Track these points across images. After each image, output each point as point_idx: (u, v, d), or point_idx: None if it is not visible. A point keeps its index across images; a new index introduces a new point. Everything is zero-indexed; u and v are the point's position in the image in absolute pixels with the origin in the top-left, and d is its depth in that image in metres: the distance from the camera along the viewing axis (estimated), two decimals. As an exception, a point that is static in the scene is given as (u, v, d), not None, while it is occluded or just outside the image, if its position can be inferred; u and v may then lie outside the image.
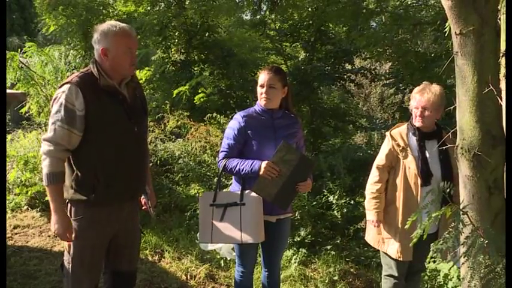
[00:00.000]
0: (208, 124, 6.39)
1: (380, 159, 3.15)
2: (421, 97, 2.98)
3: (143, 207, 2.85)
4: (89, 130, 2.40)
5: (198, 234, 3.05)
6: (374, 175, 3.17)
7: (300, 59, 9.06)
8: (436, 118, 3.06)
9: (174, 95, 7.22)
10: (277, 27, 9.02)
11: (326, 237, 5.08)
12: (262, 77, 2.87)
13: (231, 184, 3.12)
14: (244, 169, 2.77)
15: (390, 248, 3.12)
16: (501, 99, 2.16)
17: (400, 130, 3.14)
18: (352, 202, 5.14)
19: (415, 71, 6.20)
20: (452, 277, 3.67)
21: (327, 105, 8.83)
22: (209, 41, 8.49)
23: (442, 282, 3.73)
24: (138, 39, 7.92)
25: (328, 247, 4.73)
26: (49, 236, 4.77)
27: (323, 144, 7.74)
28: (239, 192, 2.84)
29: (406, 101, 7.15)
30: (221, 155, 2.90)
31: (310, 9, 8.10)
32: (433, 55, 6.12)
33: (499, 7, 2.07)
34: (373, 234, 3.26)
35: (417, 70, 6.12)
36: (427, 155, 3.03)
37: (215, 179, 5.40)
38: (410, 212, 2.84)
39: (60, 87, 2.42)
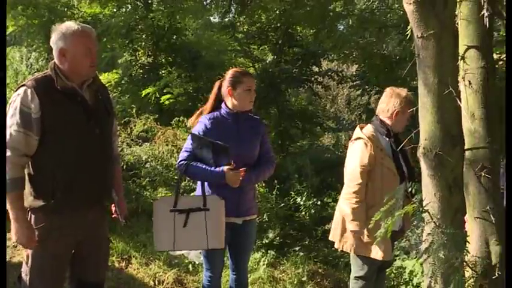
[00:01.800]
0: (176, 128, 6.32)
1: (363, 163, 2.99)
2: None
3: (113, 215, 2.77)
4: (45, 133, 2.31)
5: (155, 241, 2.89)
6: (357, 182, 2.99)
7: (267, 61, 9.11)
8: None
9: (143, 96, 7.14)
10: (245, 29, 9.03)
11: (294, 239, 5.11)
12: (250, 80, 2.87)
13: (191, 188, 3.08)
14: (207, 177, 2.77)
15: (375, 251, 3.01)
16: (460, 100, 2.22)
17: (372, 132, 3.13)
18: (319, 203, 5.20)
19: (380, 73, 6.32)
20: (417, 273, 3.75)
21: (294, 107, 8.90)
22: (176, 44, 8.41)
23: (407, 279, 3.80)
24: (104, 42, 7.84)
25: (297, 248, 4.76)
26: (8, 246, 4.61)
27: (291, 146, 7.81)
28: (201, 197, 2.78)
29: (373, 103, 7.28)
30: (182, 155, 2.84)
31: (278, 11, 8.14)
32: (397, 57, 6.25)
33: (456, 12, 2.14)
34: (356, 241, 3.08)
35: (382, 72, 6.25)
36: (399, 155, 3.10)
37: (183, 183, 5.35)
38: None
39: (15, 90, 2.34)
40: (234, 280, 3.15)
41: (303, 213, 5.18)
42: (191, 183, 4.92)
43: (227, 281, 3.58)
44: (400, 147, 3.00)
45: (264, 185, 5.42)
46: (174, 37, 8.49)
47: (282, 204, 5.22)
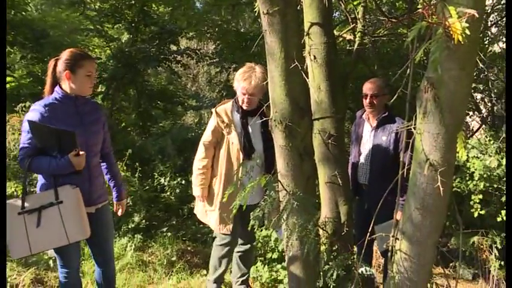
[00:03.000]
0: (22, 114, 5.75)
1: (206, 135, 3.22)
2: (248, 85, 3.06)
3: None
4: None
5: (9, 250, 2.57)
6: (200, 151, 3.23)
7: (123, 41, 8.69)
8: (260, 98, 3.19)
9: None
10: (97, 7, 8.47)
11: (161, 220, 5.06)
12: (91, 64, 2.64)
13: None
14: (53, 169, 2.51)
15: (211, 220, 3.28)
16: (306, 74, 2.36)
17: (226, 107, 3.21)
18: (184, 182, 5.20)
19: (236, 50, 6.44)
20: (282, 239, 3.97)
21: (154, 88, 8.69)
22: (16, 20, 7.57)
23: (273, 246, 4.00)
24: None
25: (164, 229, 4.73)
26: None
27: (153, 127, 7.64)
28: (52, 191, 2.55)
29: (231, 79, 7.43)
30: (22, 152, 2.52)
31: (132, -12, 7.78)
32: (251, 34, 6.42)
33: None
34: (200, 208, 3.38)
35: (238, 49, 6.38)
36: (250, 130, 3.16)
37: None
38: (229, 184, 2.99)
39: None
40: (99, 274, 2.98)
41: (168, 193, 5.13)
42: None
43: (93, 271, 3.42)
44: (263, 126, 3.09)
45: (125, 168, 5.24)
46: (12, 12, 7.61)
47: (147, 187, 5.11)
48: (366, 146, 3.55)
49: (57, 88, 2.62)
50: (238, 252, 3.50)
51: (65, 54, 2.61)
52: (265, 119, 2.58)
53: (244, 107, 3.14)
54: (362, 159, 3.56)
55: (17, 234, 2.49)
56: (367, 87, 3.38)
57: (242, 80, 3.08)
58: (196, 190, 3.26)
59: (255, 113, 3.11)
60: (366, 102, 3.40)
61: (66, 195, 2.55)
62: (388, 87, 3.52)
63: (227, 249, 3.34)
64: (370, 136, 3.51)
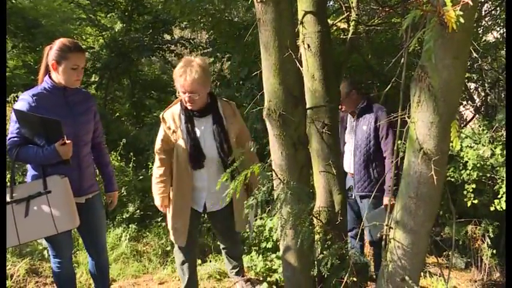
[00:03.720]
0: (13, 104, 5.70)
1: (157, 143, 2.91)
2: (184, 81, 2.64)
3: None
4: None
5: None
6: (156, 159, 2.94)
7: (116, 30, 8.62)
8: (207, 92, 2.78)
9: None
10: (89, -4, 8.39)
11: (156, 210, 5.01)
12: (77, 57, 2.56)
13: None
14: (40, 159, 2.49)
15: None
16: (300, 63, 2.35)
17: (173, 111, 2.83)
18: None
19: (229, 40, 6.38)
20: (277, 229, 3.98)
21: (148, 77, 8.65)
22: (6, 8, 7.50)
23: (268, 235, 4.01)
24: None
25: (159, 219, 4.72)
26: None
27: (147, 116, 7.62)
28: (41, 181, 2.53)
29: (225, 70, 7.38)
30: (10, 142, 2.49)
31: (124, -23, 7.71)
32: (245, 24, 6.36)
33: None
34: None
35: (231, 38, 6.32)
36: (198, 134, 2.78)
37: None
38: (183, 196, 2.86)
39: None
40: (93, 265, 2.96)
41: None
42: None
43: (87, 262, 3.42)
44: (219, 129, 2.77)
45: (119, 158, 5.23)
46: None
47: (141, 177, 5.10)
48: (349, 136, 3.72)
49: (46, 78, 2.59)
50: (224, 248, 3.41)
51: (56, 44, 2.58)
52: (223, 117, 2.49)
53: (189, 107, 2.73)
54: (346, 149, 3.74)
55: (6, 224, 2.48)
56: None
57: (178, 77, 2.67)
58: (156, 199, 2.96)
59: (204, 112, 2.79)
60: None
61: (54, 185, 2.53)
62: (352, 84, 3.65)
63: (185, 258, 3.06)
64: (352, 127, 3.68)
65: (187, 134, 2.74)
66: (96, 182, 2.88)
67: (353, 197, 3.71)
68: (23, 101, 2.50)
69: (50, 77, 2.59)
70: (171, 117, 2.80)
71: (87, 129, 2.73)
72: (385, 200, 3.40)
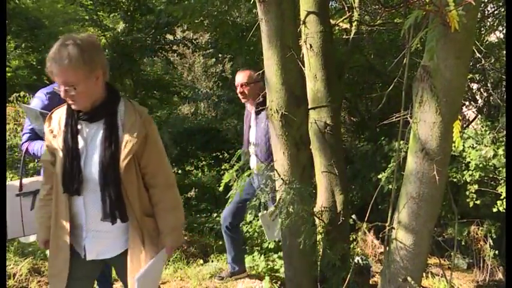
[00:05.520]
0: (17, 104, 5.72)
1: (42, 149, 2.41)
2: (53, 68, 1.77)
3: None
4: None
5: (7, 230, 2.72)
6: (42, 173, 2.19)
7: (119, 30, 8.63)
8: (97, 85, 1.87)
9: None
10: (92, -4, 8.39)
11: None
12: None
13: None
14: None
15: None
16: (302, 63, 2.35)
17: (62, 111, 1.98)
18: (180, 172, 5.20)
19: (232, 41, 6.38)
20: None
21: (150, 77, 8.66)
22: (9, 8, 7.51)
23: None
24: None
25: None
26: None
27: (149, 116, 7.60)
28: None
29: (227, 70, 7.39)
30: (24, 137, 2.61)
31: (127, -23, 7.71)
32: (247, 24, 6.36)
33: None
34: None
35: (234, 40, 6.32)
36: (80, 145, 1.90)
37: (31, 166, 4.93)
38: (62, 230, 1.95)
39: None
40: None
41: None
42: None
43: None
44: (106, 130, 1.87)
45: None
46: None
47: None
48: (252, 133, 3.57)
49: None
50: None
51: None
52: (117, 127, 1.85)
53: (73, 107, 1.88)
54: (250, 146, 3.57)
55: (13, 215, 2.57)
56: (237, 78, 3.36)
57: (49, 64, 1.79)
58: (37, 231, 2.12)
59: (95, 116, 1.90)
60: (238, 92, 3.36)
61: None
62: (259, 75, 3.38)
63: None
64: (253, 124, 3.53)
65: (64, 142, 1.89)
66: None
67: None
68: (37, 98, 2.61)
69: None
70: (58, 117, 1.96)
71: None
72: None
